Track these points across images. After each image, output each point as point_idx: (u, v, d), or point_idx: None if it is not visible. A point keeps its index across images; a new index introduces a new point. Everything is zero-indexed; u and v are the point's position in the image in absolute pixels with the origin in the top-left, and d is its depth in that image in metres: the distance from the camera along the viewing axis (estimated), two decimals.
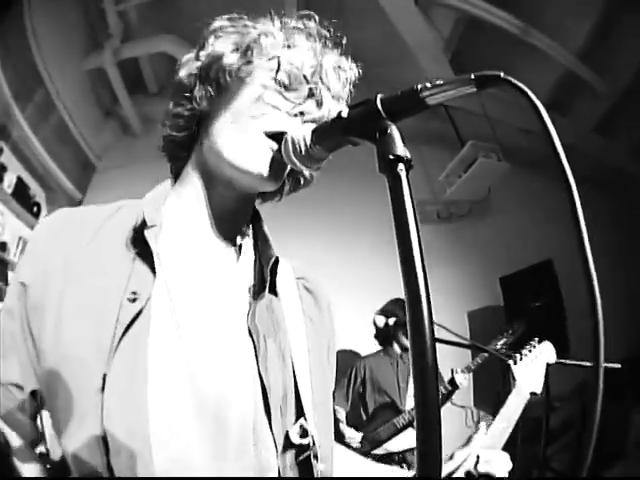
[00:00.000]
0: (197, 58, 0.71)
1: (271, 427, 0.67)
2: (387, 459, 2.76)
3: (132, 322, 0.62)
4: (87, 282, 0.65)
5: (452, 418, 3.89)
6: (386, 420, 2.82)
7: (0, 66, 3.63)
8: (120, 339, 0.60)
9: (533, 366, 1.18)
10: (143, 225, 0.67)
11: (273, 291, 0.74)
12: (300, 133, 0.57)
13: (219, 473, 0.64)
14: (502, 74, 0.42)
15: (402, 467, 2.70)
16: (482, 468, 0.90)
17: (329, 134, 0.53)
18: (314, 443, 0.70)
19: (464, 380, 2.62)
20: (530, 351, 1.21)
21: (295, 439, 0.67)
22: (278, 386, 0.68)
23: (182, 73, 0.72)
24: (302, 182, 0.82)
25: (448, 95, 0.43)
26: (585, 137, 4.57)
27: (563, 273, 3.46)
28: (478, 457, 0.91)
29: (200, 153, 0.73)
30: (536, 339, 1.26)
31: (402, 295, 0.44)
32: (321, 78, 0.70)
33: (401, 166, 0.39)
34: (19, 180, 4.14)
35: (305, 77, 0.69)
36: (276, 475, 0.67)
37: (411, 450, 2.77)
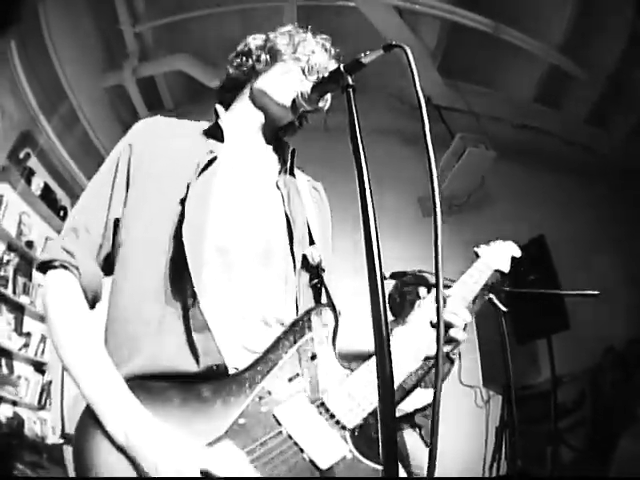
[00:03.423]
0: (264, 41, 1.25)
1: (292, 249, 1.09)
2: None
3: (207, 166, 1.06)
4: (176, 144, 1.11)
5: (461, 398, 4.09)
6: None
7: (25, 79, 4.12)
8: (199, 174, 1.04)
9: (496, 247, 1.35)
10: (216, 119, 1.19)
11: (292, 174, 1.23)
12: (306, 87, 1.10)
13: (259, 267, 1.03)
14: (394, 42, 0.90)
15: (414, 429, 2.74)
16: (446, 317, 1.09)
17: (319, 85, 1.06)
18: (323, 270, 1.11)
19: None
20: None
21: (309, 255, 1.10)
22: (299, 224, 1.13)
23: (252, 46, 1.25)
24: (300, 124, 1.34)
25: (371, 58, 0.92)
26: (578, 128, 4.94)
27: (554, 248, 3.83)
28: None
29: (249, 91, 1.24)
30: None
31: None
32: (324, 70, 1.23)
33: (350, 89, 0.90)
34: (46, 185, 4.55)
35: (317, 70, 1.19)
36: (294, 286, 1.07)
37: (421, 410, 2.74)
